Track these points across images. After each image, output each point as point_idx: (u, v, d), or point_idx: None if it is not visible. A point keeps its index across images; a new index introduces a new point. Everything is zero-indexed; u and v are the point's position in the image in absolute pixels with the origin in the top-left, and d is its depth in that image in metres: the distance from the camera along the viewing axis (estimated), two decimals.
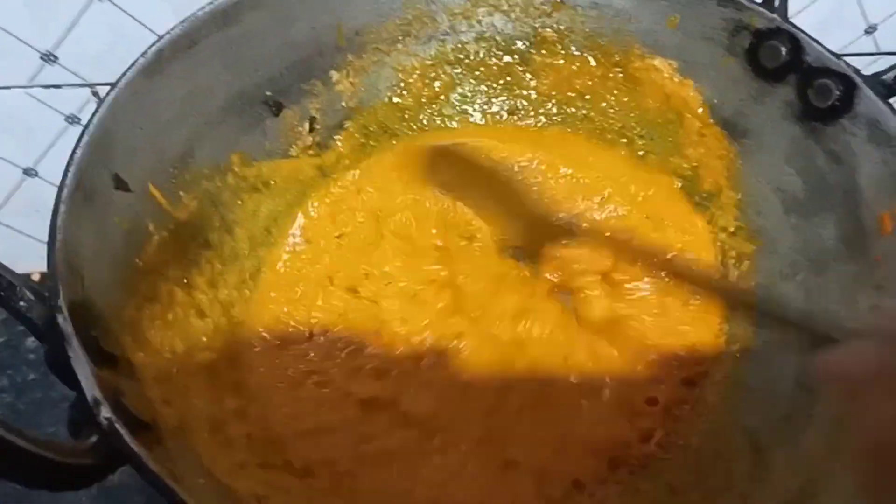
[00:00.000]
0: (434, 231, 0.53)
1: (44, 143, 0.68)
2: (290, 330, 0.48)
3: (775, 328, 0.47)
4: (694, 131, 0.55)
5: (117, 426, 0.30)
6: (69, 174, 0.38)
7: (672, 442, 0.45)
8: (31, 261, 0.76)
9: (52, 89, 0.64)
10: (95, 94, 0.65)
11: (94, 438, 0.29)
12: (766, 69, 0.50)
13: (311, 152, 0.55)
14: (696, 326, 0.50)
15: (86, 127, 0.40)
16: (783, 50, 0.49)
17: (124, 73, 0.43)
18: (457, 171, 0.55)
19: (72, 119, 0.66)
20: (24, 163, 0.69)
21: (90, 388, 0.31)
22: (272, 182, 0.53)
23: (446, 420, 0.45)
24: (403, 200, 0.55)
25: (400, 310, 0.50)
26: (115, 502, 0.63)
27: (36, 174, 0.70)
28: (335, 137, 0.56)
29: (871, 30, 0.69)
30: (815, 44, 0.48)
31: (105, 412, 0.30)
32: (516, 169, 0.56)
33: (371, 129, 0.57)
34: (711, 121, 0.54)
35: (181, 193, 0.47)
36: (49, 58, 0.62)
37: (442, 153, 0.56)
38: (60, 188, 0.37)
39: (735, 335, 0.49)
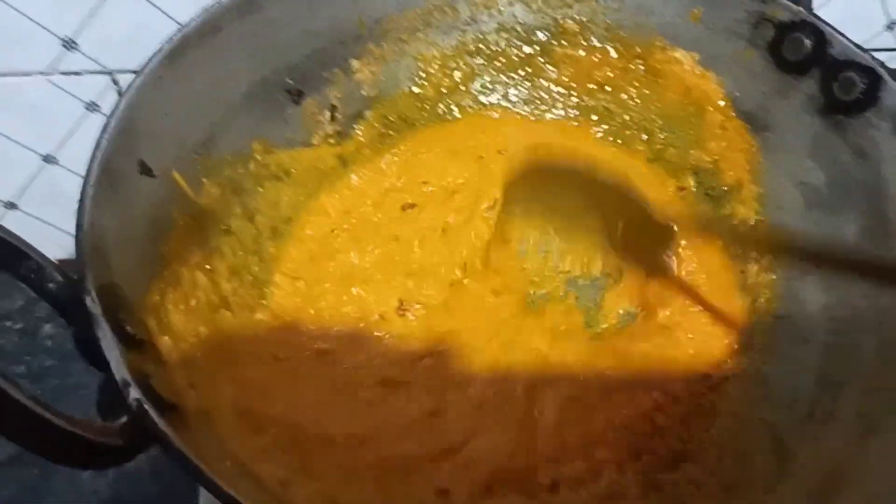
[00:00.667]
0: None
1: (63, 130, 0.68)
2: (310, 318, 0.48)
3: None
4: (715, 124, 0.55)
5: (146, 407, 0.30)
6: (96, 159, 0.38)
7: (693, 436, 0.45)
8: (49, 248, 0.76)
9: (73, 76, 0.65)
10: (115, 81, 0.65)
11: (123, 419, 0.30)
12: (790, 62, 0.50)
13: (331, 141, 0.55)
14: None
15: (112, 113, 0.40)
16: (807, 43, 0.49)
17: (150, 60, 0.43)
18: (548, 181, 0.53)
19: (91, 106, 0.67)
20: (44, 150, 0.70)
21: (119, 370, 0.31)
22: (293, 170, 0.53)
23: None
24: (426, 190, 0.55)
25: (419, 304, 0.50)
26: (131, 489, 0.63)
27: (56, 161, 0.70)
28: (355, 126, 0.56)
29: (892, 25, 0.68)
30: (839, 36, 0.47)
31: (134, 393, 0.30)
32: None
33: (391, 118, 0.57)
34: (733, 114, 0.54)
35: (204, 180, 0.47)
36: (69, 44, 0.62)
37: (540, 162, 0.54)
38: (88, 173, 0.38)
39: (756, 330, 0.49)
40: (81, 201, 0.37)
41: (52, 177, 0.71)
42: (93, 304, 0.32)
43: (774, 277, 0.50)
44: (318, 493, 0.39)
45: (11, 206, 0.74)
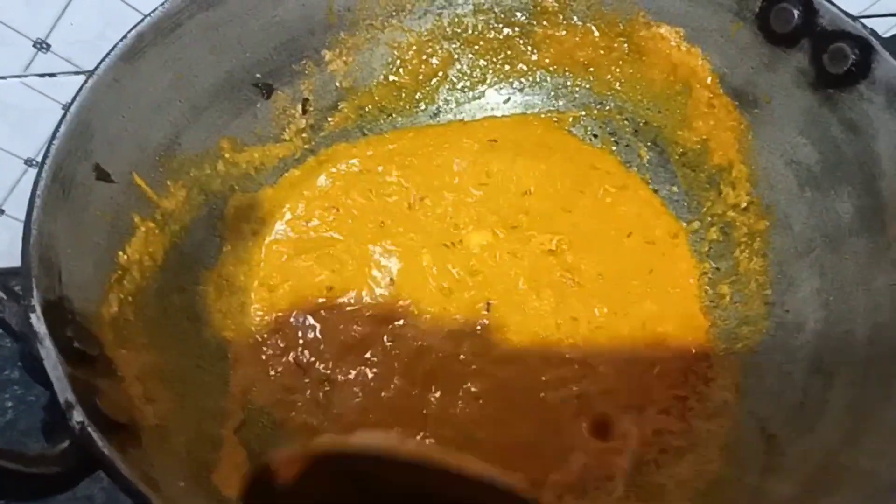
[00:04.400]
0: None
1: (43, 132, 0.67)
2: (284, 321, 0.47)
3: None
4: (703, 102, 0.52)
5: (90, 430, 0.29)
6: (45, 167, 0.37)
7: (679, 427, 0.43)
8: None
9: (48, 78, 0.63)
10: (89, 75, 0.64)
11: (65, 444, 0.28)
12: (778, 34, 0.48)
13: (304, 135, 0.54)
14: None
15: (62, 117, 0.39)
16: (795, 13, 0.46)
17: (102, 60, 0.42)
18: None
19: (69, 108, 0.65)
20: (25, 153, 0.69)
21: (62, 391, 0.30)
22: (265, 167, 0.51)
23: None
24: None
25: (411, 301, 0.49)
26: None
27: (37, 164, 0.69)
28: (329, 119, 0.55)
29: None
30: (829, 5, 0.45)
31: (77, 416, 0.29)
32: None
33: (367, 109, 0.56)
34: (721, 91, 0.51)
35: (168, 182, 0.45)
36: (42, 46, 0.61)
37: None
38: (36, 182, 0.36)
39: (747, 317, 0.47)
40: (29, 212, 0.35)
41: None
42: (37, 321, 0.31)
43: (765, 262, 0.48)
44: None
45: None
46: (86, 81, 0.41)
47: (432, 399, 0.43)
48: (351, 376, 0.45)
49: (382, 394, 0.44)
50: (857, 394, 0.39)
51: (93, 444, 0.29)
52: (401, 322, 0.47)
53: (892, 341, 0.39)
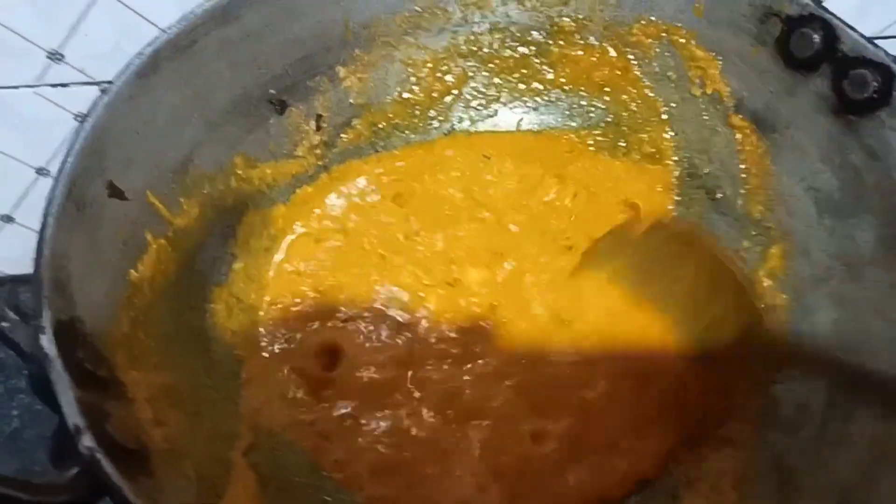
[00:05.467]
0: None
1: (55, 142, 0.67)
2: (298, 343, 0.47)
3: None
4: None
5: (99, 456, 0.28)
6: (59, 184, 0.37)
7: (691, 460, 0.42)
8: None
9: (60, 88, 0.63)
10: (103, 91, 0.64)
11: (74, 470, 0.28)
12: (798, 59, 0.47)
13: (317, 152, 0.53)
14: None
15: (76, 133, 0.38)
16: (816, 38, 0.46)
17: (118, 76, 0.41)
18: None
19: (81, 118, 0.65)
20: (37, 162, 0.69)
21: (72, 415, 0.29)
22: (277, 184, 0.51)
23: None
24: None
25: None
26: None
27: (48, 174, 0.69)
28: (343, 136, 0.54)
29: None
30: (850, 31, 0.44)
31: (87, 441, 0.29)
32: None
33: (380, 126, 0.55)
34: (739, 115, 0.51)
35: (181, 199, 0.45)
36: (55, 56, 0.61)
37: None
38: (50, 199, 0.36)
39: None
40: (42, 231, 0.35)
41: (45, 189, 0.70)
42: (48, 343, 0.31)
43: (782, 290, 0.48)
44: None
45: (8, 219, 0.73)
46: (100, 98, 0.40)
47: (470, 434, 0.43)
48: (378, 414, 0.45)
49: (415, 431, 0.43)
50: (877, 430, 0.38)
51: (102, 471, 0.28)
52: (428, 364, 0.47)
53: None
